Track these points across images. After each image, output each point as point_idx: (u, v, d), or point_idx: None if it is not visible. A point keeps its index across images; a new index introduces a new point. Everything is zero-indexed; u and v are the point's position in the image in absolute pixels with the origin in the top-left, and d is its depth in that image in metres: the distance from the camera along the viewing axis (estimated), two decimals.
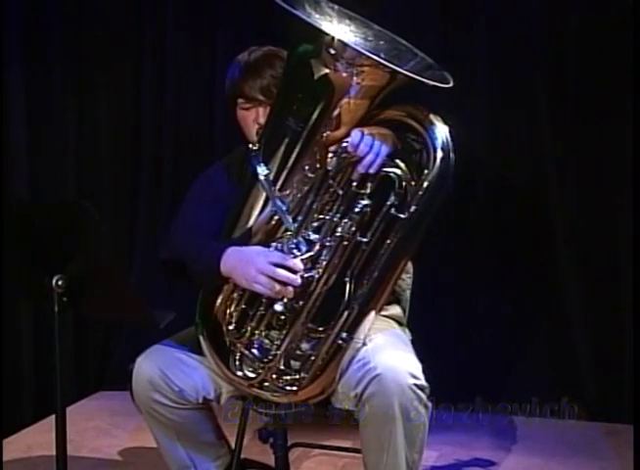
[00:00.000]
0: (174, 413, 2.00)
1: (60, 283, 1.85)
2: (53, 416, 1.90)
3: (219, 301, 1.92)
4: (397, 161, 1.81)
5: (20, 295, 3.03)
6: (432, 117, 1.81)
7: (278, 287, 1.80)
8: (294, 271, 1.80)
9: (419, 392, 1.81)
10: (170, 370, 1.98)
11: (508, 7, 3.29)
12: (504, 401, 3.35)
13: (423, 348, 2.00)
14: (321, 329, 1.87)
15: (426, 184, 1.79)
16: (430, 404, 1.84)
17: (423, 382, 1.83)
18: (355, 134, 1.78)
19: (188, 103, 3.69)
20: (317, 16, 1.84)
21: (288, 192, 1.84)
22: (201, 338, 1.96)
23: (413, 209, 1.79)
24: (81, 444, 3.02)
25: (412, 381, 1.80)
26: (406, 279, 2.21)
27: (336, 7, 1.90)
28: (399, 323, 2.15)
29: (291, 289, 1.81)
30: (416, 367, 1.85)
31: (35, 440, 3.05)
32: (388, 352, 1.86)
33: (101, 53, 3.62)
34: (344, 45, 1.71)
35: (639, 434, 2.47)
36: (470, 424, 3.22)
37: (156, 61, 3.67)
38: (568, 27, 3.22)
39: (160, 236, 3.60)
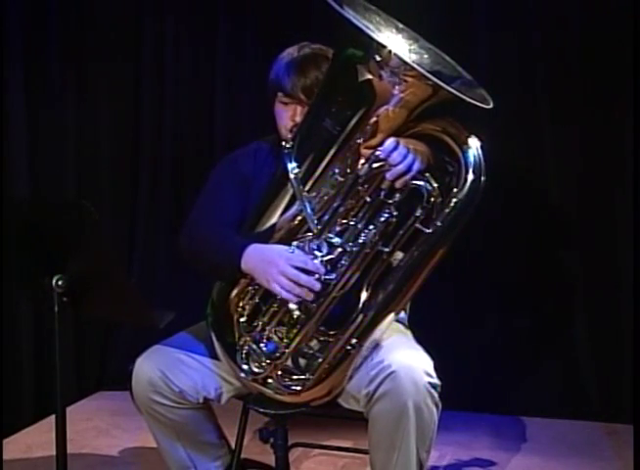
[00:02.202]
0: (174, 413, 2.00)
1: (60, 283, 1.85)
2: (53, 416, 1.90)
3: (234, 293, 1.92)
4: (428, 175, 1.81)
5: (20, 295, 3.04)
6: (466, 135, 1.79)
7: (299, 290, 1.80)
8: (313, 274, 1.80)
9: (432, 390, 1.82)
10: (170, 371, 1.98)
11: (508, 6, 3.29)
12: (504, 401, 3.35)
13: (423, 348, 1.99)
14: (332, 333, 1.87)
15: (453, 202, 1.78)
16: (440, 403, 1.85)
17: (436, 380, 1.84)
18: (390, 142, 1.78)
19: (188, 103, 3.69)
20: (366, 22, 1.82)
21: (315, 193, 1.84)
22: (210, 328, 1.97)
23: (438, 224, 1.79)
24: (81, 443, 3.02)
25: (427, 379, 1.81)
26: None
27: (395, 22, 1.89)
28: (401, 324, 2.16)
29: (311, 293, 1.81)
30: (429, 365, 1.86)
31: (35, 440, 3.05)
32: (400, 350, 1.87)
33: (101, 53, 3.62)
34: (396, 57, 1.70)
35: (639, 434, 2.47)
36: (470, 424, 3.22)
37: (156, 61, 3.67)
38: (568, 26, 3.22)
39: (161, 236, 3.64)
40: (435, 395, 1.83)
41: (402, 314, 2.17)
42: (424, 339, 2.10)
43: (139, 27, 3.67)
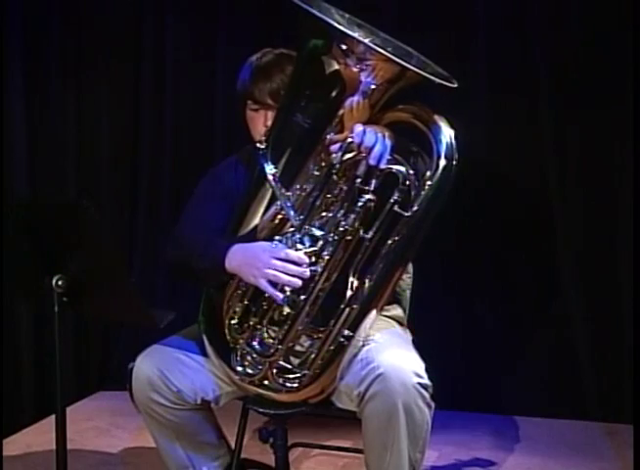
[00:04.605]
0: (172, 414, 2.00)
1: (60, 283, 1.85)
2: (53, 416, 1.90)
3: (223, 297, 1.93)
4: (400, 159, 1.82)
5: (20, 295, 3.04)
6: (437, 118, 1.81)
7: (285, 279, 1.81)
8: (298, 265, 1.81)
9: (422, 391, 1.82)
10: (169, 370, 1.98)
11: (507, 6, 3.29)
12: (504, 401, 3.35)
13: (423, 348, 2.00)
14: (322, 329, 1.87)
15: (427, 186, 1.80)
16: (432, 404, 1.85)
17: (426, 381, 1.83)
18: (358, 127, 1.78)
19: (188, 103, 3.69)
20: (327, 16, 1.83)
21: (293, 189, 1.86)
22: (203, 334, 1.98)
23: (415, 208, 1.80)
24: (81, 443, 3.02)
25: (416, 380, 1.81)
26: (406, 279, 2.21)
27: (345, 15, 1.90)
28: (400, 324, 2.16)
29: (298, 281, 1.81)
30: (419, 366, 1.85)
31: (35, 439, 3.05)
32: (390, 350, 1.87)
33: (101, 53, 3.62)
34: (356, 41, 1.73)
35: (639, 434, 2.47)
36: (470, 424, 3.22)
37: (156, 61, 3.67)
38: (568, 26, 3.22)
39: (161, 236, 3.63)
40: (427, 395, 1.83)
41: (400, 312, 2.17)
42: (423, 339, 2.10)
43: (139, 27, 3.67)
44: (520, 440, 3.09)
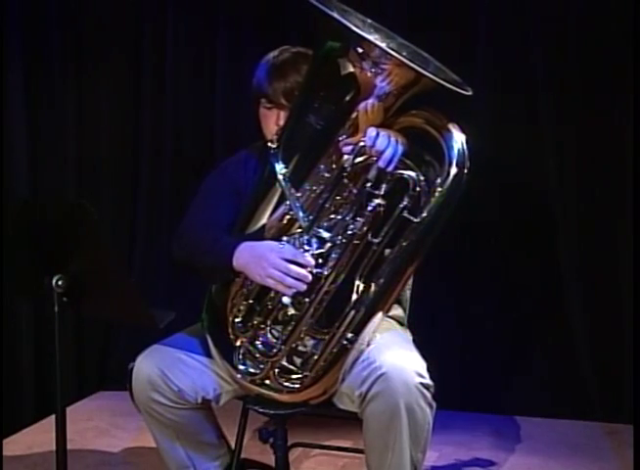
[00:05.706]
0: (173, 413, 2.00)
1: (60, 283, 1.85)
2: (53, 416, 1.90)
3: (227, 295, 1.93)
4: (411, 164, 1.82)
5: (20, 295, 3.04)
6: (449, 124, 1.81)
7: (290, 280, 1.81)
8: (304, 267, 1.82)
9: (424, 391, 1.82)
10: (170, 370, 1.98)
11: (507, 6, 3.29)
12: (504, 401, 3.35)
13: (423, 348, 2.00)
14: (326, 331, 1.88)
15: (437, 193, 1.80)
16: (434, 403, 1.85)
17: (428, 381, 1.83)
18: (371, 130, 1.79)
19: (188, 103, 3.69)
20: (345, 18, 1.84)
21: (303, 190, 1.86)
22: (206, 332, 1.98)
23: (424, 214, 1.80)
24: (81, 443, 3.02)
25: (418, 379, 1.81)
26: None
27: (367, 20, 1.91)
28: (400, 324, 2.16)
29: (303, 284, 1.81)
30: (421, 366, 1.85)
31: (35, 439, 3.05)
32: (392, 351, 1.87)
33: (101, 53, 3.62)
34: (373, 45, 1.73)
35: (639, 434, 2.47)
36: (470, 424, 3.22)
37: (156, 61, 3.67)
38: (568, 26, 3.22)
39: (162, 236, 3.64)
40: (428, 395, 1.83)
41: (401, 312, 2.17)
42: (423, 339, 2.10)
43: (139, 27, 3.67)
44: (520, 440, 3.09)
